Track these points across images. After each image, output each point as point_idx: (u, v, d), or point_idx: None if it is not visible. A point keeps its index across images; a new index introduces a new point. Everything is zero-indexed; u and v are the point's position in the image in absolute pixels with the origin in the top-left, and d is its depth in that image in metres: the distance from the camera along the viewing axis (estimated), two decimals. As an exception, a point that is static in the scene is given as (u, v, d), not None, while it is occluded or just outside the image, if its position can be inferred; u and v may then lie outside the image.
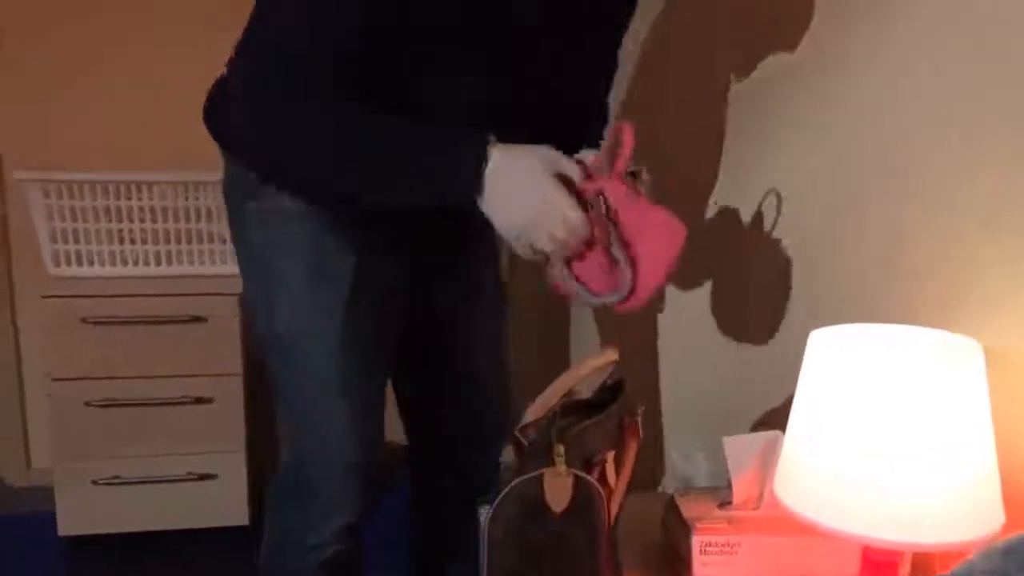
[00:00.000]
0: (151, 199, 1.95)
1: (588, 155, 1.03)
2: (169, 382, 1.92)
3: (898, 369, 0.75)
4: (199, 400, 1.93)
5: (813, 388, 0.82)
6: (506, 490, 0.89)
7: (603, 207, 0.98)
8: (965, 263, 0.91)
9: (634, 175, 1.04)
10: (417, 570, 1.48)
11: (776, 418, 1.23)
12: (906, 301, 1.01)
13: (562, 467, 0.87)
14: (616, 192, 0.99)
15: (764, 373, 1.32)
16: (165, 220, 1.96)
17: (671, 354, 1.70)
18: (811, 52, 1.21)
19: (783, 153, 1.29)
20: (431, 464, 1.41)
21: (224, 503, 1.99)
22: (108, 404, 1.90)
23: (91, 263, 1.96)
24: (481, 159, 0.93)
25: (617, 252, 0.99)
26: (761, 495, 0.98)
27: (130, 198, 1.94)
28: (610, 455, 0.95)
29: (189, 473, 1.96)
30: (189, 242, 1.99)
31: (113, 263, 1.97)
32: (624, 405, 0.98)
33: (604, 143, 1.04)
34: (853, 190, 1.11)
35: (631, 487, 1.00)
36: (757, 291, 1.37)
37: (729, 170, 1.45)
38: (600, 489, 0.91)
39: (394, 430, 1.34)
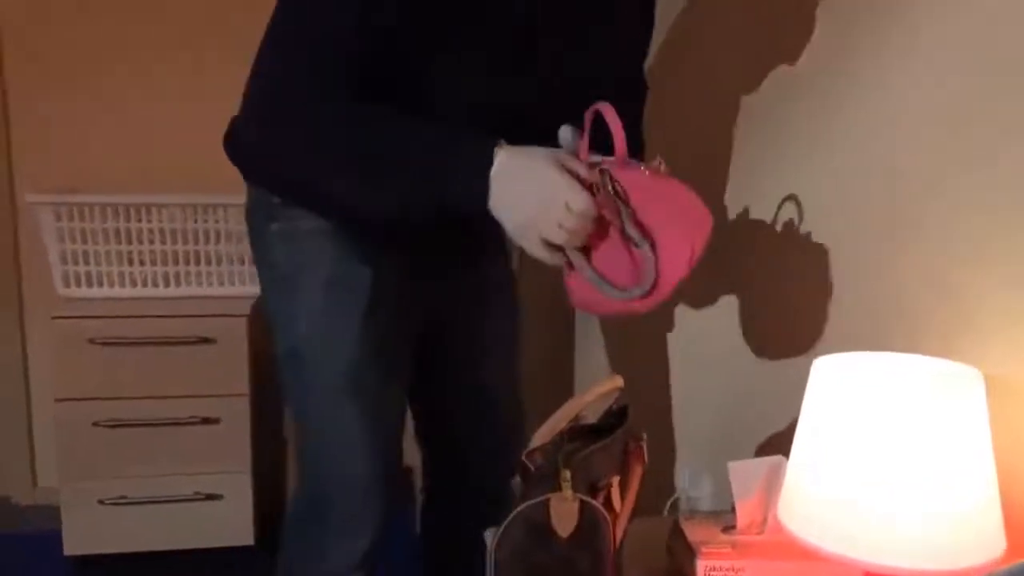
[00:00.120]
0: (160, 221, 1.97)
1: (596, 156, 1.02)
2: (176, 402, 1.94)
3: (900, 397, 0.76)
4: (206, 420, 1.95)
5: (816, 415, 0.83)
6: (513, 514, 0.90)
7: (610, 187, 0.94)
8: (966, 292, 0.92)
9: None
10: None
11: (780, 442, 1.24)
12: (908, 330, 1.02)
13: (568, 492, 0.88)
14: (621, 172, 0.95)
15: (768, 397, 1.33)
16: (174, 242, 1.99)
17: (679, 376, 1.71)
18: (806, 82, 1.23)
19: (784, 184, 1.30)
20: (444, 475, 1.42)
21: (230, 523, 2.00)
22: (115, 424, 1.91)
23: (101, 284, 1.99)
24: (487, 162, 0.94)
25: (631, 231, 0.94)
26: (765, 520, 0.99)
27: (140, 220, 1.96)
28: (615, 480, 0.96)
29: (195, 493, 1.97)
30: (198, 263, 2.01)
31: (123, 284, 2.00)
32: (629, 430, 0.99)
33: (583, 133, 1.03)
34: (854, 220, 1.13)
35: (636, 511, 1.01)
36: (761, 315, 1.38)
37: (732, 195, 1.47)
38: (606, 514, 0.92)
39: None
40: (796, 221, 1.28)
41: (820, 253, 1.21)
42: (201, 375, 1.93)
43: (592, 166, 0.97)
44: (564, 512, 0.89)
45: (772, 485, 0.98)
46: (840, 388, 0.80)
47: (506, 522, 0.89)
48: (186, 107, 2.21)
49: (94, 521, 1.94)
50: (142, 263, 1.99)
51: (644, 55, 1.27)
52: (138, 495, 1.95)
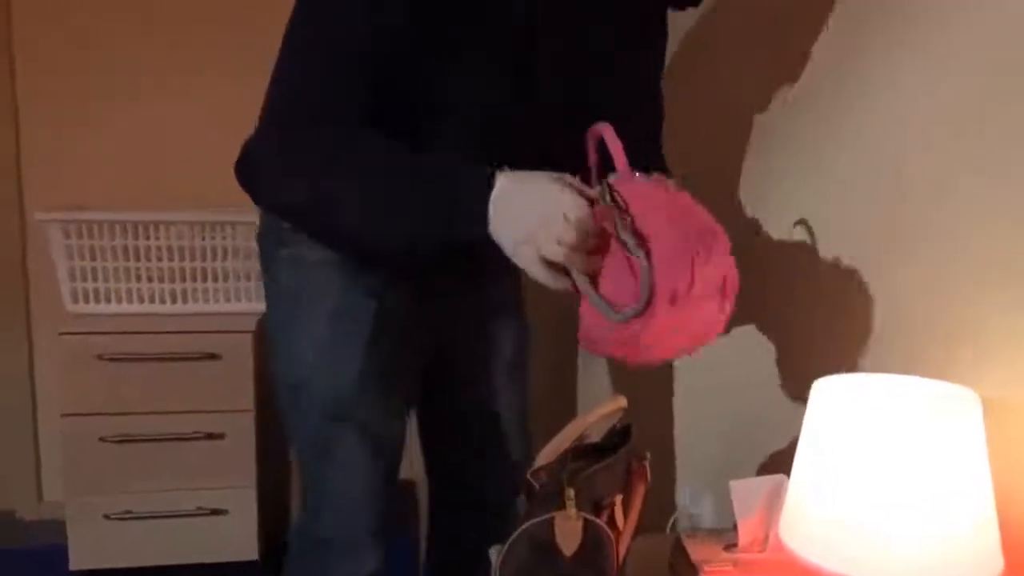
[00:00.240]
0: (168, 238, 1.99)
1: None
2: (182, 418, 1.95)
3: (898, 418, 0.77)
4: (211, 436, 1.96)
5: (816, 435, 0.85)
6: (517, 532, 0.91)
7: (607, 196, 0.89)
8: (964, 314, 0.94)
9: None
10: None
11: (781, 460, 1.25)
12: (906, 352, 1.03)
13: (573, 510, 0.89)
14: (623, 183, 0.91)
15: (769, 416, 1.34)
16: (181, 259, 2.01)
17: (681, 395, 1.72)
18: (808, 108, 1.25)
19: (788, 201, 1.32)
20: (448, 492, 1.42)
21: (234, 538, 2.01)
22: (121, 439, 1.93)
23: (108, 301, 2.01)
24: (487, 187, 0.92)
25: (626, 236, 0.88)
26: (766, 538, 1.00)
27: (147, 237, 1.99)
28: (618, 498, 0.97)
29: (200, 508, 1.99)
30: (204, 280, 2.03)
31: (130, 300, 2.01)
32: (632, 449, 1.01)
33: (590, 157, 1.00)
34: (853, 242, 1.14)
35: (639, 529, 1.02)
36: (762, 334, 1.39)
37: (733, 208, 1.48)
38: (609, 532, 0.93)
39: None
40: (805, 240, 1.29)
41: (821, 274, 1.22)
42: (207, 391, 1.95)
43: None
44: (568, 530, 0.90)
45: (773, 504, 0.99)
46: (839, 409, 0.82)
47: (511, 540, 0.90)
48: (194, 125, 2.24)
49: (99, 536, 1.96)
50: (149, 280, 2.01)
51: (659, 70, 1.26)
52: (143, 510, 1.96)
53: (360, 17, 0.96)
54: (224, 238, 2.01)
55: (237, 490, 2.00)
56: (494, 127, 1.00)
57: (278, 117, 1.00)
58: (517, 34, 1.00)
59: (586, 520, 0.91)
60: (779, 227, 1.33)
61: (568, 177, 0.94)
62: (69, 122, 2.22)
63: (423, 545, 1.52)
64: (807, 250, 1.26)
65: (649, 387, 1.79)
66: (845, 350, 1.16)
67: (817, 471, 0.83)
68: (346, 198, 0.99)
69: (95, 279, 1.99)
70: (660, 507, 1.17)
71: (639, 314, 0.88)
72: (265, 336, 1.25)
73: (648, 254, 0.87)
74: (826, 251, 1.21)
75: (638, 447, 1.01)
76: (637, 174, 0.95)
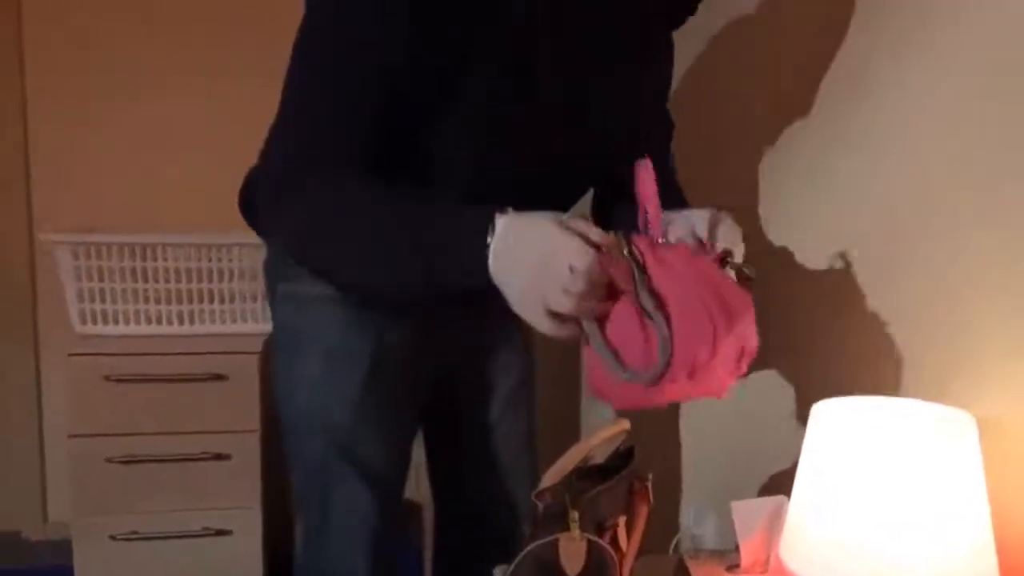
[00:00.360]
0: (176, 260, 2.01)
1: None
2: (188, 438, 1.96)
3: (895, 441, 0.79)
4: (217, 456, 1.97)
5: (815, 457, 0.86)
6: (522, 553, 0.92)
7: (625, 248, 0.83)
8: (960, 338, 0.96)
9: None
10: None
11: (782, 481, 1.26)
12: (904, 375, 1.05)
13: (577, 532, 0.90)
14: (642, 239, 0.85)
15: (770, 438, 1.35)
16: (188, 280, 2.03)
17: (685, 417, 1.74)
18: (811, 137, 1.27)
19: (784, 234, 1.34)
20: (453, 514, 1.42)
21: (239, 559, 2.01)
22: (128, 460, 1.93)
23: (116, 322, 2.02)
24: (485, 231, 0.87)
25: (644, 298, 0.82)
26: (768, 559, 1.02)
27: (155, 259, 2.00)
28: (621, 519, 0.98)
29: (205, 529, 1.99)
30: (211, 302, 2.05)
31: (138, 322, 2.03)
32: (634, 471, 1.02)
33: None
34: (849, 268, 1.16)
35: (642, 550, 1.03)
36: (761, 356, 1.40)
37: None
38: (613, 553, 0.95)
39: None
40: (806, 263, 1.31)
41: (821, 298, 1.24)
42: (213, 411, 1.96)
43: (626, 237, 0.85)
44: (572, 551, 0.91)
45: (775, 524, 1.00)
46: (838, 432, 0.83)
47: (516, 561, 0.92)
48: (201, 148, 2.27)
49: (105, 556, 1.96)
50: (157, 301, 2.03)
51: (663, 77, 1.23)
52: (149, 530, 1.96)
53: (371, 25, 0.92)
54: (231, 260, 2.03)
55: (243, 511, 2.00)
56: (495, 127, 0.98)
57: (280, 158, 0.99)
58: (517, 34, 0.97)
59: (590, 541, 0.92)
60: (781, 237, 1.35)
61: (570, 219, 0.89)
62: (78, 145, 2.26)
63: (428, 567, 1.53)
64: (807, 274, 1.27)
65: (653, 410, 1.80)
66: (843, 373, 1.17)
67: (817, 492, 0.85)
68: (343, 252, 0.98)
69: (103, 300, 2.00)
70: (663, 528, 1.17)
71: (654, 381, 0.83)
72: (270, 371, 1.26)
73: (668, 320, 0.82)
74: (825, 275, 1.23)
75: (641, 469, 1.03)
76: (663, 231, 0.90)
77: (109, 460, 1.93)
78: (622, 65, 1.09)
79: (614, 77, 1.07)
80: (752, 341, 0.88)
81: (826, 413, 0.87)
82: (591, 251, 0.83)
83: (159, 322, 2.04)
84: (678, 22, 1.17)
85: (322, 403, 1.14)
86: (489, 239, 0.86)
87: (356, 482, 1.15)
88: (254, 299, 2.06)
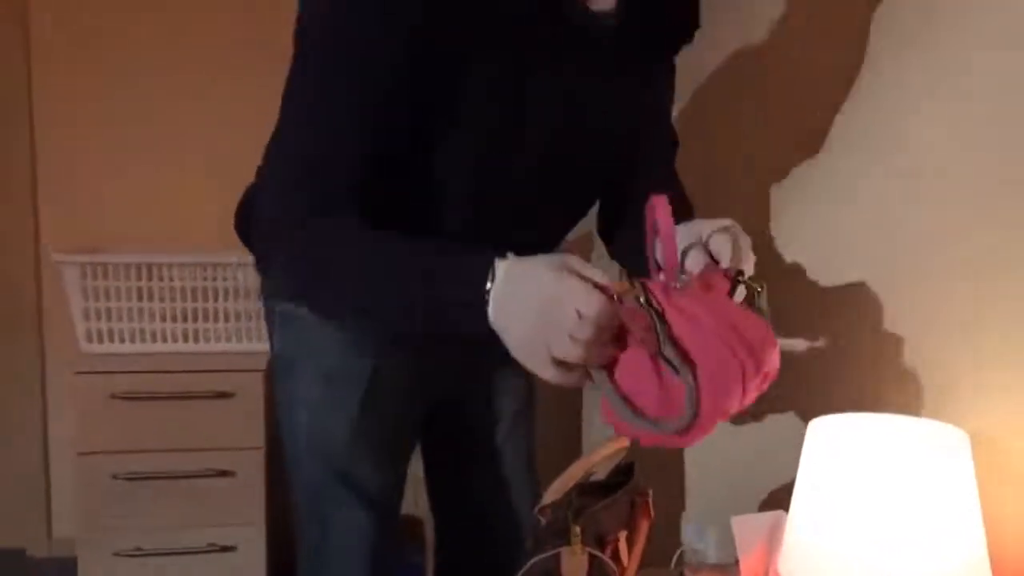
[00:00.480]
0: (181, 279, 2.04)
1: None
2: (193, 456, 1.98)
3: (891, 457, 0.81)
4: (222, 473, 1.99)
5: (813, 473, 0.88)
6: (525, 567, 0.94)
7: (642, 297, 0.78)
8: (955, 357, 0.97)
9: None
10: None
11: (781, 496, 1.28)
12: (900, 392, 1.06)
13: (578, 546, 0.92)
14: (656, 285, 0.80)
15: (769, 453, 1.36)
16: (194, 299, 2.05)
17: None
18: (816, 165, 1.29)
19: (782, 248, 1.36)
20: (455, 532, 1.43)
21: (243, 575, 2.02)
22: (133, 477, 1.95)
23: (123, 340, 2.04)
24: (483, 278, 0.83)
25: (670, 354, 0.77)
26: (767, 573, 1.03)
27: (161, 279, 2.03)
28: (622, 534, 1.00)
29: (210, 545, 2.00)
30: (216, 320, 2.07)
31: (143, 340, 2.05)
32: (634, 487, 1.04)
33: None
34: (848, 286, 1.18)
35: (644, 564, 1.04)
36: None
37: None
38: (614, 567, 0.96)
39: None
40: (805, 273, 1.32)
41: (820, 316, 1.25)
42: (218, 429, 1.98)
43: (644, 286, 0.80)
44: (574, 566, 0.93)
45: (775, 539, 1.02)
46: (835, 448, 0.85)
47: (519, 575, 0.93)
48: (205, 170, 2.30)
49: (109, 573, 1.97)
50: (162, 320, 2.05)
51: (668, 105, 1.23)
52: (153, 547, 1.98)
53: (372, 26, 0.89)
54: (236, 279, 2.05)
55: (247, 527, 2.02)
56: (495, 127, 0.97)
57: (279, 193, 0.96)
58: (517, 34, 0.95)
59: (591, 555, 0.93)
60: (777, 252, 1.37)
61: (574, 260, 0.84)
62: (85, 166, 2.29)
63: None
64: (807, 290, 1.29)
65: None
66: (841, 390, 1.19)
67: (814, 508, 0.86)
68: (342, 298, 0.96)
69: (109, 319, 2.03)
70: (665, 543, 1.19)
71: (682, 432, 0.79)
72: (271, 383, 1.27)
73: (693, 370, 0.77)
74: (823, 294, 1.24)
75: (641, 484, 1.04)
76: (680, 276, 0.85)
77: (115, 477, 1.94)
78: (622, 78, 1.08)
79: (613, 81, 1.06)
80: (774, 364, 0.85)
81: (823, 429, 0.89)
82: (600, 296, 0.78)
83: (164, 340, 2.06)
84: (676, 47, 1.18)
85: (322, 427, 1.14)
86: (489, 285, 0.83)
87: (355, 503, 1.16)
88: (259, 317, 2.07)
